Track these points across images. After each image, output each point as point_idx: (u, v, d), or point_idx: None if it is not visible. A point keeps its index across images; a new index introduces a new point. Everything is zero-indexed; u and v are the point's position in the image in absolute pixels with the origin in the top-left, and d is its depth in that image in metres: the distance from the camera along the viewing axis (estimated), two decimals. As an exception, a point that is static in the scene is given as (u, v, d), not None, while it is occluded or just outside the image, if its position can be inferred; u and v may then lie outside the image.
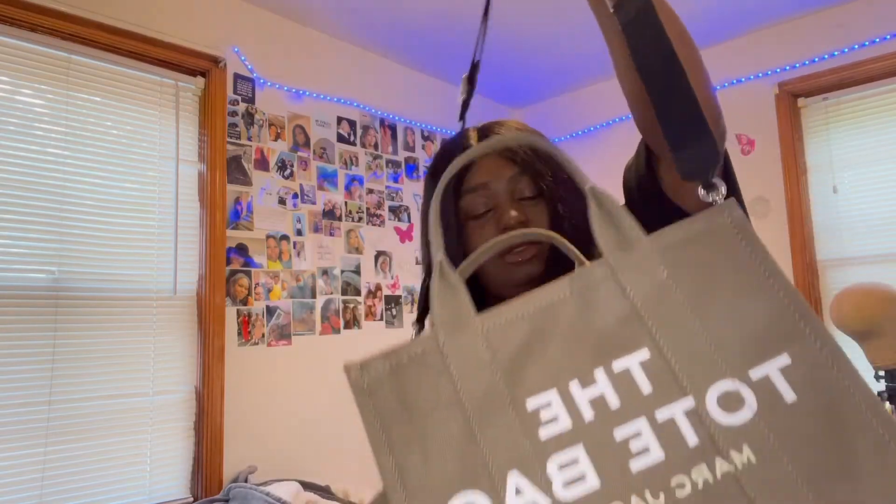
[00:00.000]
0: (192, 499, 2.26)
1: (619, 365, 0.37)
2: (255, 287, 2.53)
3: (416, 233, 3.27)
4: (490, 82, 3.57)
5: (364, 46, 3.11)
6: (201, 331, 2.36)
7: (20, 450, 1.91)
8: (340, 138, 2.97)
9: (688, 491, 0.33)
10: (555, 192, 0.77)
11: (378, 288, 3.02)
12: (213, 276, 2.38)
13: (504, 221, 0.75)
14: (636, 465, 0.34)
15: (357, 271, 2.93)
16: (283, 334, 2.60)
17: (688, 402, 0.35)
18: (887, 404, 2.12)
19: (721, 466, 0.34)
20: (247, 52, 2.62)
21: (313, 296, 2.73)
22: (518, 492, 0.35)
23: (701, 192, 0.46)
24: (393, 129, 3.24)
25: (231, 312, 2.44)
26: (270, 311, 2.57)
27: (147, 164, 2.30)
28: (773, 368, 0.35)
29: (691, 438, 0.35)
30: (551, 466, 0.35)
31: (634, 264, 0.39)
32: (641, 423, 0.36)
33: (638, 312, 0.38)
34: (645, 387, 0.36)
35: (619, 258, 0.40)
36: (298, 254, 2.71)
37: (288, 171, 2.72)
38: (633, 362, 0.37)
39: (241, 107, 2.59)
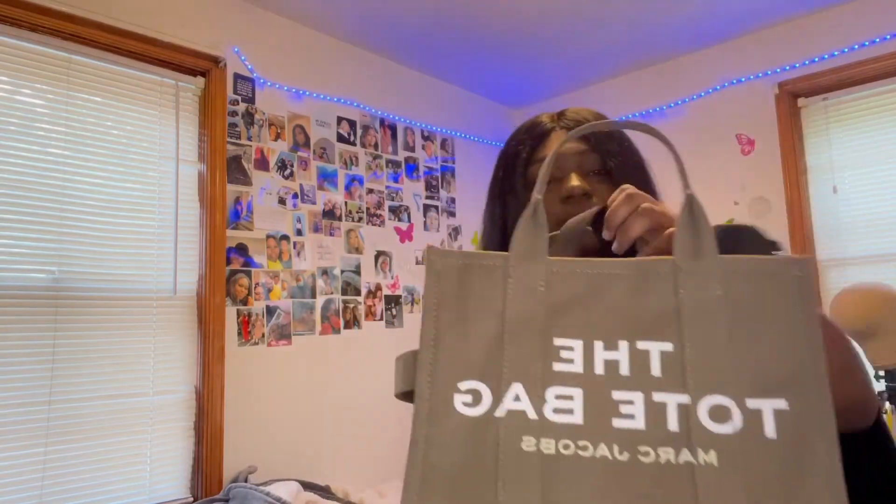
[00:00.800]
0: (192, 499, 2.26)
1: (642, 345, 0.42)
2: (255, 287, 2.53)
3: (417, 232, 3.27)
4: (490, 82, 3.57)
5: (364, 46, 3.10)
6: (201, 331, 2.36)
7: (20, 450, 1.91)
8: (340, 138, 2.97)
9: (649, 460, 0.39)
10: (622, 170, 0.79)
11: (378, 288, 3.02)
12: (213, 276, 2.38)
13: (566, 189, 0.76)
14: (617, 423, 0.40)
15: (357, 271, 2.93)
16: (283, 334, 2.60)
17: (684, 398, 0.41)
18: (887, 404, 2.12)
19: (684, 455, 0.39)
20: (247, 52, 2.62)
21: (313, 296, 2.73)
22: (516, 398, 0.42)
23: None
24: (393, 129, 3.24)
25: (231, 312, 2.44)
26: (270, 311, 2.57)
27: (147, 164, 2.30)
28: (768, 406, 0.40)
29: (672, 425, 0.40)
30: (550, 392, 0.42)
31: (697, 273, 0.44)
32: (638, 396, 0.41)
33: (679, 313, 0.43)
34: (655, 370, 0.42)
35: (686, 263, 0.44)
36: (298, 254, 2.71)
37: (288, 171, 2.72)
38: (654, 348, 0.42)
39: (241, 107, 2.59)
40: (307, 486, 2.34)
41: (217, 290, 2.39)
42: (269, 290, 2.58)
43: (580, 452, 0.40)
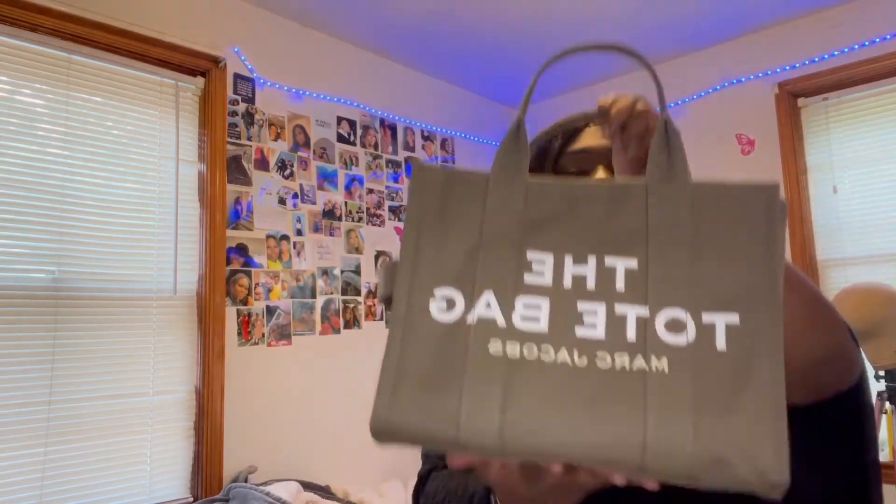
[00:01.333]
0: (192, 499, 2.26)
1: (609, 261, 0.45)
2: (255, 287, 2.53)
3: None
4: (490, 82, 3.57)
5: (364, 46, 3.10)
6: (201, 331, 2.36)
7: (20, 450, 1.91)
8: (340, 138, 2.97)
9: (606, 366, 0.42)
10: None
11: (378, 288, 3.02)
12: (213, 276, 2.38)
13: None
14: (580, 332, 0.43)
15: (357, 271, 2.94)
16: (283, 334, 2.61)
17: (643, 311, 0.43)
18: (887, 404, 2.12)
19: (638, 362, 0.42)
20: (247, 52, 2.62)
21: (313, 296, 2.73)
22: (487, 305, 0.45)
23: None
24: (393, 129, 3.24)
25: (231, 312, 2.44)
26: (270, 311, 2.57)
27: (147, 164, 2.30)
28: (721, 320, 0.43)
29: (630, 335, 0.43)
30: (519, 301, 0.45)
31: (667, 195, 0.46)
32: (601, 308, 0.44)
33: (647, 231, 0.45)
34: (620, 285, 0.44)
35: (658, 184, 0.46)
36: (298, 254, 2.71)
37: (288, 171, 2.72)
38: (621, 264, 0.45)
39: (241, 107, 2.59)
40: (307, 486, 2.34)
41: (217, 290, 2.39)
42: (269, 290, 2.58)
43: (542, 356, 0.43)
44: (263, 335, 2.53)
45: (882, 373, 2.07)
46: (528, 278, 0.45)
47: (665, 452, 0.40)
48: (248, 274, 2.52)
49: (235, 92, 2.57)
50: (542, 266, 0.46)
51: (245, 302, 2.49)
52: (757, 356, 0.42)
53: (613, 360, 0.42)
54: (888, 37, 2.68)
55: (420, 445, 0.44)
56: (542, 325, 0.44)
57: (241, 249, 2.51)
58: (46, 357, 2.00)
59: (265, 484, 2.22)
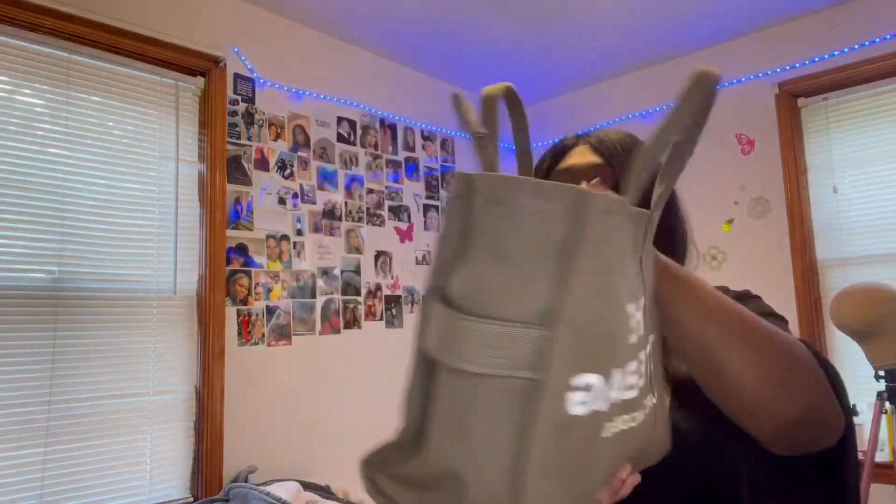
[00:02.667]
0: (192, 499, 2.26)
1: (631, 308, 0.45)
2: (255, 287, 2.53)
3: (417, 232, 3.27)
4: (490, 82, 3.57)
5: (364, 46, 3.10)
6: (201, 331, 2.36)
7: (20, 450, 1.91)
8: (340, 138, 2.97)
9: (641, 417, 0.46)
10: None
11: (378, 288, 3.02)
12: (213, 276, 2.38)
13: None
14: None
15: (357, 271, 2.93)
16: (283, 334, 2.60)
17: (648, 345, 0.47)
18: (887, 404, 2.12)
19: (650, 400, 0.47)
20: (247, 52, 2.62)
21: (313, 296, 2.73)
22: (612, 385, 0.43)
23: None
24: (393, 129, 3.24)
25: (231, 312, 2.44)
26: (270, 311, 2.57)
27: (147, 164, 2.30)
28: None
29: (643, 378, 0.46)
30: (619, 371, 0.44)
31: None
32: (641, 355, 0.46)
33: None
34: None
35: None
36: (298, 254, 2.71)
37: (288, 171, 2.72)
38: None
39: (241, 107, 2.59)
40: (307, 486, 2.34)
41: (217, 289, 2.39)
42: (269, 290, 2.58)
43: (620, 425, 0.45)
44: (263, 335, 2.53)
45: (882, 373, 2.07)
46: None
47: None
48: (248, 274, 2.52)
49: (235, 92, 2.57)
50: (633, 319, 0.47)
51: (245, 302, 2.49)
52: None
53: (644, 406, 0.46)
54: (888, 37, 2.67)
55: None
56: (633, 392, 0.45)
57: (241, 249, 2.51)
58: (46, 357, 1.99)
59: (265, 484, 2.22)
